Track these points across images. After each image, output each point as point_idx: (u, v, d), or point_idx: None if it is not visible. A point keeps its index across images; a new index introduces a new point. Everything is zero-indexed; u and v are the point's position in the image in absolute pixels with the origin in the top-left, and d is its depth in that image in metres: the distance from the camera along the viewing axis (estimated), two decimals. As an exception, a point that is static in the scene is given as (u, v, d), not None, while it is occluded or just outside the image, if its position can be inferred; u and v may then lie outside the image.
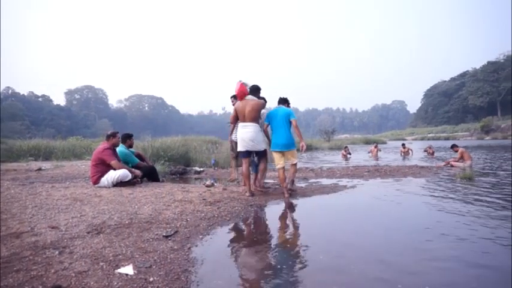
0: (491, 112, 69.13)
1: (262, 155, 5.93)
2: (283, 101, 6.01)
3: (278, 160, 5.70)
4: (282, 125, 5.60)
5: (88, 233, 3.14)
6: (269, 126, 5.83)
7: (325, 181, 7.60)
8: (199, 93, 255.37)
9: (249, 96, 5.59)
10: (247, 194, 5.51)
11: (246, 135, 5.51)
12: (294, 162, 5.82)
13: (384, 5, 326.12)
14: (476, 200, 5.11)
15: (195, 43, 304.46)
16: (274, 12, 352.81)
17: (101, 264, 2.48)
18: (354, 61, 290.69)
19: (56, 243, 2.81)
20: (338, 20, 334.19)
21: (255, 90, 5.74)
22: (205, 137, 18.84)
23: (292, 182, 6.03)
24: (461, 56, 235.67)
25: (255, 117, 5.56)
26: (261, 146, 5.70)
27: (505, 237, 3.27)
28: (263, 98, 5.97)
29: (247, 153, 5.69)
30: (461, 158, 10.37)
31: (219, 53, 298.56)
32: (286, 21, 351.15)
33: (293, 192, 5.81)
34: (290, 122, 5.62)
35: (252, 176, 6.05)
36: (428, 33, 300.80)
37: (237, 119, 5.79)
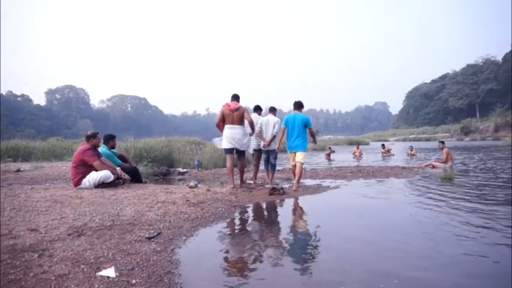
0: (471, 114, 70.58)
1: (242, 154, 6.66)
2: (299, 105, 6.75)
3: (291, 159, 6.71)
4: (298, 130, 6.46)
5: (69, 235, 3.09)
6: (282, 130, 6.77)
7: (309, 182, 7.66)
8: (183, 94, 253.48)
9: (237, 105, 6.47)
10: (231, 185, 6.41)
11: (235, 135, 6.41)
12: (300, 161, 6.53)
13: (373, 8, 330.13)
14: (455, 199, 5.23)
15: (179, 43, 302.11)
16: (259, 13, 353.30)
17: (82, 267, 2.44)
18: (337, 62, 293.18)
19: (35, 246, 2.75)
20: (324, 23, 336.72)
21: (237, 97, 6.61)
22: (189, 137, 18.69)
23: (299, 177, 6.62)
24: (443, 58, 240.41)
25: (241, 122, 6.49)
26: (245, 145, 6.58)
27: (486, 235, 3.35)
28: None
29: (231, 150, 6.51)
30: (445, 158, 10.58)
31: (203, 53, 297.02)
32: (271, 22, 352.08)
33: (281, 191, 5.90)
34: (306, 128, 6.54)
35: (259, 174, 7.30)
36: (412, 36, 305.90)
37: (223, 121, 6.51)
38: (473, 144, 31.20)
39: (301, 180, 7.01)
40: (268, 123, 6.89)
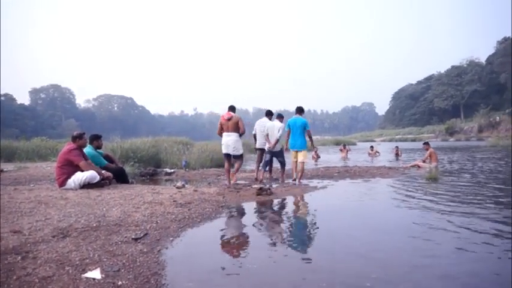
0: (455, 114, 71.73)
1: (238, 157, 7.47)
2: (300, 110, 7.91)
3: (293, 157, 7.75)
4: (299, 132, 7.55)
5: (53, 236, 3.04)
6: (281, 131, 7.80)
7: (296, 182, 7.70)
8: (171, 94, 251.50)
9: (230, 115, 7.34)
10: (227, 183, 7.34)
11: (228, 141, 7.30)
12: (302, 161, 7.59)
13: (359, 9, 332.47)
14: (437, 198, 5.33)
15: (167, 42, 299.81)
16: (245, 13, 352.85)
17: (67, 268, 2.41)
18: (324, 63, 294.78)
19: (19, 248, 2.71)
20: (316, 23, 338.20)
21: (233, 108, 7.54)
22: (176, 138, 18.58)
23: (301, 175, 7.67)
24: (427, 59, 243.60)
25: (236, 129, 7.30)
26: (239, 151, 7.41)
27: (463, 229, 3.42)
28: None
29: (227, 154, 7.41)
30: (429, 158, 10.73)
31: (190, 53, 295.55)
32: (262, 20, 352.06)
33: (268, 192, 5.87)
34: (305, 130, 7.56)
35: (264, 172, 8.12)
36: (395, 37, 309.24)
37: (221, 129, 7.41)
38: (457, 145, 31.72)
39: (289, 180, 7.21)
40: (274, 128, 7.84)
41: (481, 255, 2.90)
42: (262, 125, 8.11)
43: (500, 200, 5.32)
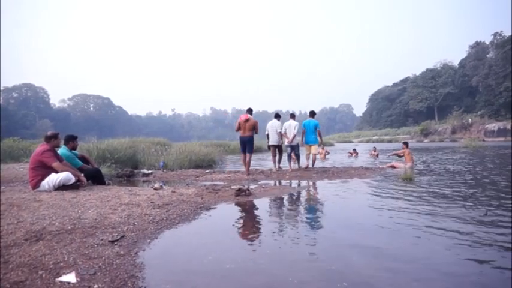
0: (430, 116, 73.69)
1: (248, 152, 9.05)
2: (313, 114, 10.47)
3: (306, 150, 10.30)
4: (311, 131, 9.96)
5: (26, 240, 2.96)
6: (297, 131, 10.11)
7: (275, 183, 7.72)
8: (149, 94, 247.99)
9: (247, 117, 8.95)
10: (246, 175, 8.96)
11: (245, 141, 8.94)
12: (314, 153, 10.27)
13: (337, 12, 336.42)
14: (411, 197, 5.45)
15: (144, 42, 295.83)
16: (223, 13, 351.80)
17: (40, 273, 2.35)
18: (302, 65, 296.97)
19: (-11, 252, 2.62)
20: (286, 24, 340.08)
21: (250, 110, 9.17)
22: (154, 138, 18.38)
23: (313, 163, 10.31)
24: (403, 61, 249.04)
25: (251, 130, 8.95)
26: (251, 148, 9.03)
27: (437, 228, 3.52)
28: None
29: (243, 149, 9.14)
30: (404, 157, 11.00)
31: (168, 53, 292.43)
32: (233, 23, 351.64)
33: (247, 192, 5.85)
34: (316, 130, 10.00)
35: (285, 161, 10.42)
36: (372, 40, 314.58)
37: (239, 128, 9.07)
38: (432, 146, 32.50)
39: (268, 181, 7.21)
40: (291, 126, 9.91)
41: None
42: (275, 125, 9.93)
43: (472, 197, 5.49)
